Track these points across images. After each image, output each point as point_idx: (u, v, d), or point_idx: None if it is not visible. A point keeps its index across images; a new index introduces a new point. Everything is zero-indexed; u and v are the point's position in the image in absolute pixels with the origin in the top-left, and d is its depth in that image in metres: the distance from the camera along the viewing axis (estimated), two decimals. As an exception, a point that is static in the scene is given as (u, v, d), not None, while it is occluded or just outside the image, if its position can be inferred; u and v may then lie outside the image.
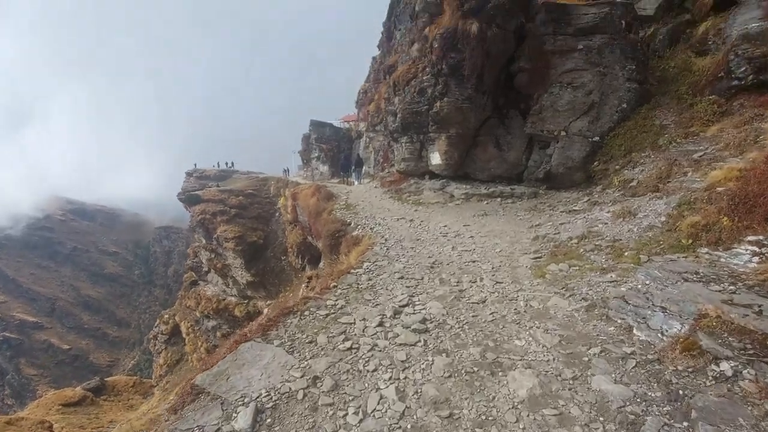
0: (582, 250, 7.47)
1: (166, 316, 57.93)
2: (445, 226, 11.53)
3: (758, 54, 10.13)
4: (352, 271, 7.77)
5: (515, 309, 5.73)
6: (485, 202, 13.52)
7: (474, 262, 7.98)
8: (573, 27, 12.46)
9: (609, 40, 12.36)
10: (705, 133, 10.27)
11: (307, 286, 12.06)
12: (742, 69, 10.38)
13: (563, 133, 12.91)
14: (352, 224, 13.22)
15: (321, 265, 15.36)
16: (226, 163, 50.63)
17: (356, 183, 23.56)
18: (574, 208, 10.64)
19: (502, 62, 12.79)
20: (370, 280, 7.27)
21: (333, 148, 40.65)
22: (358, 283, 7.08)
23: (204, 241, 46.72)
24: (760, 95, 10.11)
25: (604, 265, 6.54)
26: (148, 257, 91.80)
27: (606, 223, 8.46)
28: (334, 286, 6.87)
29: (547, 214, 11.16)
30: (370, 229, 12.16)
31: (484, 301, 6.06)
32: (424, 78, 12.91)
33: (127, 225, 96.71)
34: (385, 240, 10.49)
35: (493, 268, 7.50)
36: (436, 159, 14.43)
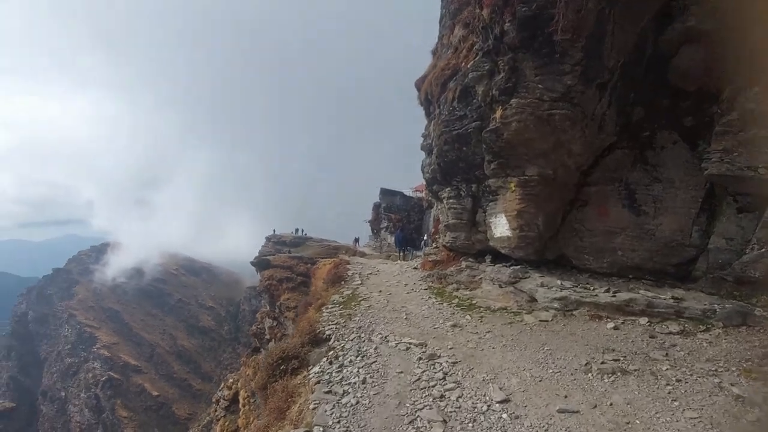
0: None
1: (231, 380, 55.56)
2: (507, 400, 4.52)
3: None
4: None
5: None
6: (609, 323, 6.03)
7: None
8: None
9: None
10: None
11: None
12: None
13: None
14: (327, 345, 6.90)
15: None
16: (297, 230, 50.26)
17: (410, 260, 19.71)
18: None
19: (642, 23, 5.88)
20: None
21: (402, 218, 36.53)
22: None
23: (268, 308, 45.14)
24: None
25: None
26: (237, 314, 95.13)
27: None
28: None
29: None
30: (341, 365, 5.81)
31: None
32: (469, 66, 6.51)
33: (224, 283, 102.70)
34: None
35: None
36: (501, 227, 7.54)
